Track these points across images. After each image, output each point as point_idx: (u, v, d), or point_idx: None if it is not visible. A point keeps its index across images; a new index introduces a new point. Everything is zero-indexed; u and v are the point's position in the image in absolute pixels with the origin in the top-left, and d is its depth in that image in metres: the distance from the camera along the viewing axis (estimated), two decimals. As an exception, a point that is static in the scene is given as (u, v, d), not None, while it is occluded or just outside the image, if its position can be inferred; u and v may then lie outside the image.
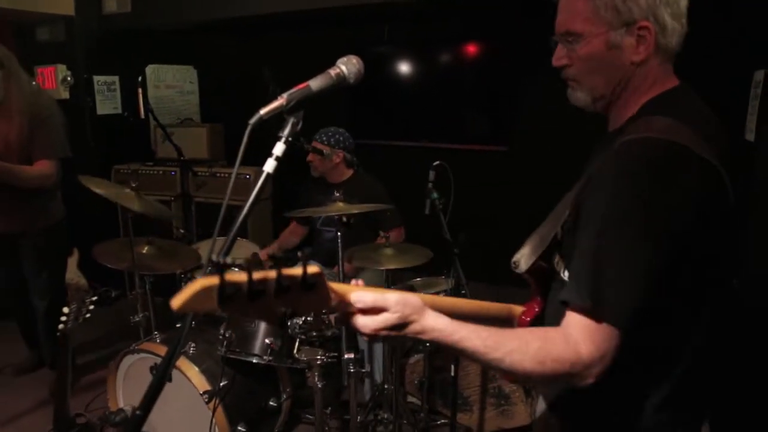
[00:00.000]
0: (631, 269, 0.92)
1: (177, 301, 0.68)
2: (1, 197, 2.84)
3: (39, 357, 3.40)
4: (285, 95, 1.11)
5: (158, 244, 2.84)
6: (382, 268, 2.49)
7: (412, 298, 0.93)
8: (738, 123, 2.96)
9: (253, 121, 1.08)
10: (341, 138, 3.06)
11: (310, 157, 3.03)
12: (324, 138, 3.03)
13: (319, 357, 2.28)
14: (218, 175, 4.30)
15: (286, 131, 1.12)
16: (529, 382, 0.99)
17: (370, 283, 3.00)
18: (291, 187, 3.33)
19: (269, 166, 1.12)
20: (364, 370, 2.69)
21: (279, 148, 1.12)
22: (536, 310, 1.29)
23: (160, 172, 4.37)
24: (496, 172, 4.55)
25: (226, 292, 0.67)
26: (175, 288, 2.78)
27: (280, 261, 0.73)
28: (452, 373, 2.32)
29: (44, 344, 3.26)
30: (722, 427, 2.23)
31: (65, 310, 2.00)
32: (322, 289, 0.79)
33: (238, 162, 1.09)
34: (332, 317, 0.94)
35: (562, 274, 1.15)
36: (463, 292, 2.27)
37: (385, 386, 2.67)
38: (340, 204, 2.40)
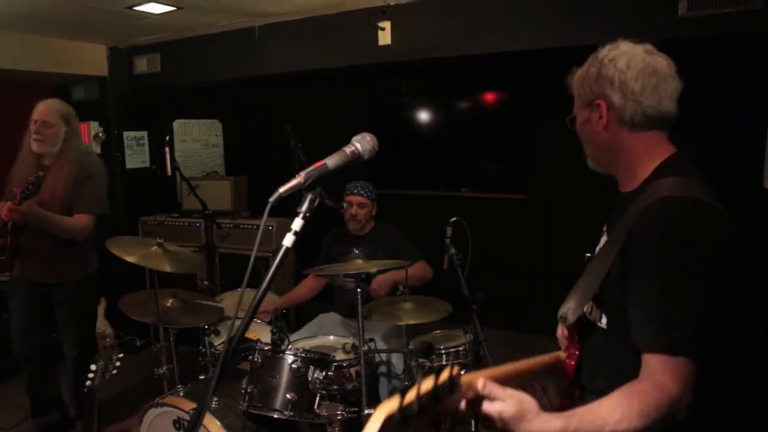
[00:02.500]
0: (692, 307, 1.08)
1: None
2: (40, 247, 2.97)
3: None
4: (303, 174, 1.18)
5: (182, 296, 2.91)
6: (401, 323, 2.52)
7: (528, 399, 1.03)
8: (755, 172, 2.97)
9: (272, 199, 1.15)
10: (374, 190, 3.17)
11: (354, 211, 3.10)
12: (365, 192, 3.12)
13: (339, 412, 2.30)
14: (241, 226, 4.40)
15: (304, 207, 1.19)
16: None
17: (392, 335, 3.01)
18: (316, 237, 3.41)
19: (288, 240, 1.18)
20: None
21: (297, 224, 1.18)
22: (576, 353, 1.40)
23: (186, 224, 4.50)
24: (516, 219, 4.58)
25: (405, 414, 0.80)
26: (198, 340, 2.85)
27: (435, 371, 0.86)
28: (472, 428, 2.31)
29: (71, 395, 3.30)
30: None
31: (92, 367, 2.06)
32: (460, 387, 0.92)
33: (261, 231, 1.14)
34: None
35: (598, 323, 1.30)
36: (482, 345, 2.28)
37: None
38: (359, 261, 2.45)
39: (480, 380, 1.02)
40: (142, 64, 4.45)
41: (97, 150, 4.54)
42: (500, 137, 4.69)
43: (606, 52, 1.26)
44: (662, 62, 1.23)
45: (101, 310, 4.40)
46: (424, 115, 4.94)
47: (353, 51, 3.60)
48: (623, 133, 1.26)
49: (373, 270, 2.30)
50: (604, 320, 1.29)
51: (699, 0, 2.65)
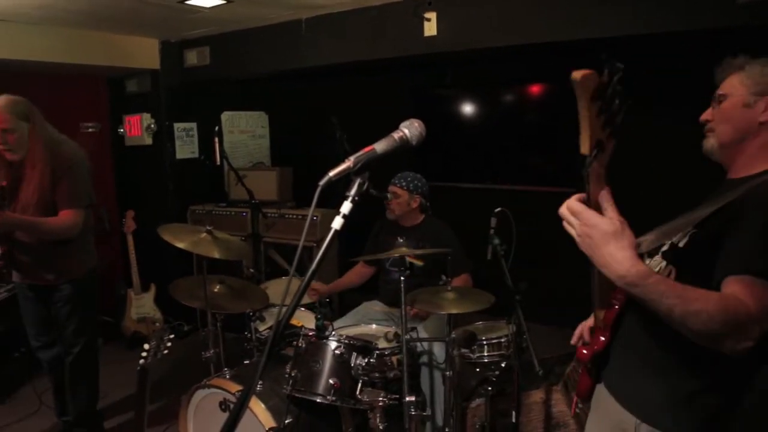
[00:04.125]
0: None
1: (578, 73, 1.01)
2: (35, 249, 2.85)
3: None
4: (352, 158, 1.20)
5: (229, 283, 3.00)
6: (443, 312, 2.53)
7: (630, 233, 1.13)
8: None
9: (322, 182, 1.18)
10: (419, 183, 3.16)
11: (388, 201, 3.13)
12: (403, 183, 3.13)
13: (380, 398, 2.33)
14: (287, 216, 4.48)
15: (353, 191, 1.21)
16: (706, 331, 1.09)
17: (432, 326, 3.03)
18: (359, 227, 3.44)
19: (337, 223, 1.20)
20: (425, 414, 2.70)
21: (346, 207, 1.20)
22: (603, 341, 1.48)
23: (233, 213, 4.61)
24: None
25: (603, 89, 1.00)
26: (244, 326, 2.92)
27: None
28: (513, 420, 2.30)
29: (69, 398, 3.15)
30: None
31: (145, 346, 2.14)
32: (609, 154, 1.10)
33: (309, 219, 1.17)
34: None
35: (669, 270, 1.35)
36: (525, 336, 2.26)
37: (446, 430, 2.66)
38: (404, 249, 2.46)
39: (604, 191, 1.14)
40: (192, 57, 4.57)
41: (149, 141, 4.71)
42: (547, 130, 4.61)
43: None
44: None
45: (151, 296, 4.58)
46: (469, 108, 4.89)
47: (398, 42, 3.60)
48: None
49: (417, 262, 2.31)
50: (672, 278, 1.31)
51: (760, -15, 2.55)
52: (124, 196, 5.03)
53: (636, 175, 4.00)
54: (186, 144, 4.77)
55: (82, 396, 3.13)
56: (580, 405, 1.80)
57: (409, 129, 1.25)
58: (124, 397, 3.71)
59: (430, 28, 3.47)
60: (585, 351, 1.57)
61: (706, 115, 1.42)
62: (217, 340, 3.01)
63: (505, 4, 3.25)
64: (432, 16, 3.43)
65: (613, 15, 2.97)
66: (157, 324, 4.53)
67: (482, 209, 2.73)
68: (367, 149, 1.21)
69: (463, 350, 2.50)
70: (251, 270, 3.67)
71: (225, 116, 4.96)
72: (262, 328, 2.96)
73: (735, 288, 1.13)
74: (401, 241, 2.52)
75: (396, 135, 1.24)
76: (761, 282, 1.11)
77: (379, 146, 1.22)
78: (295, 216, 4.49)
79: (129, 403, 3.64)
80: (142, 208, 4.49)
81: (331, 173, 1.18)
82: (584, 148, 1.07)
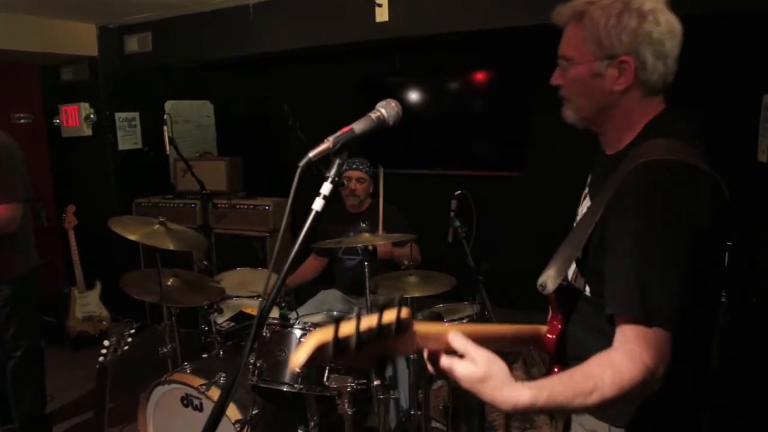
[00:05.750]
0: (672, 276, 1.03)
1: (297, 360, 0.75)
2: None
3: None
4: (331, 138, 1.18)
5: (183, 276, 2.92)
6: (407, 295, 2.54)
7: (499, 362, 0.96)
8: (750, 145, 3.03)
9: (302, 163, 1.15)
10: (371, 166, 3.17)
11: (353, 186, 3.11)
12: (362, 167, 3.13)
13: (349, 384, 2.33)
14: (237, 206, 4.39)
15: (333, 171, 1.19)
16: (615, 411, 1.06)
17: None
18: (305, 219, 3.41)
19: (318, 204, 1.18)
20: (393, 396, 2.72)
21: (326, 188, 1.18)
22: (559, 327, 1.35)
23: (181, 205, 4.47)
24: (510, 197, 4.61)
25: (339, 347, 0.75)
26: (196, 321, 2.84)
27: (378, 307, 0.80)
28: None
29: (13, 403, 2.96)
30: None
31: (105, 343, 2.05)
32: (411, 331, 0.87)
33: (290, 202, 1.15)
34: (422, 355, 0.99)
35: (584, 291, 1.25)
36: (486, 314, 2.32)
37: (411, 412, 2.69)
38: (367, 234, 2.46)
39: (451, 332, 0.96)
40: (133, 44, 4.37)
41: (89, 132, 4.48)
42: (494, 116, 4.71)
43: (644, 2, 1.10)
44: (678, 22, 1.13)
45: (96, 293, 4.39)
46: (418, 95, 4.93)
47: (350, 28, 3.58)
48: (635, 96, 1.16)
49: (381, 242, 2.31)
50: (588, 289, 1.24)
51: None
52: (62, 191, 4.77)
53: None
54: (129, 134, 4.57)
55: (26, 401, 2.97)
56: None
57: (386, 109, 1.24)
58: (73, 400, 3.56)
59: (382, 14, 3.46)
60: (550, 335, 1.38)
61: (555, 80, 1.23)
62: (173, 334, 2.92)
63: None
64: (384, 2, 3.42)
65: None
66: (104, 323, 4.35)
67: (434, 194, 2.76)
68: (345, 129, 1.20)
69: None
70: (204, 262, 3.59)
71: (169, 105, 4.78)
72: (221, 320, 2.90)
73: (627, 336, 1.03)
74: (364, 225, 2.52)
75: (373, 115, 1.23)
76: (646, 329, 1.01)
77: (357, 126, 1.21)
78: (246, 206, 4.40)
79: (79, 406, 3.49)
80: (83, 203, 4.27)
81: (311, 154, 1.16)
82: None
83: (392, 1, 3.42)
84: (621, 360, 1.00)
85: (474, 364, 0.94)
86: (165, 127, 3.46)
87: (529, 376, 2.83)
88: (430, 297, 2.62)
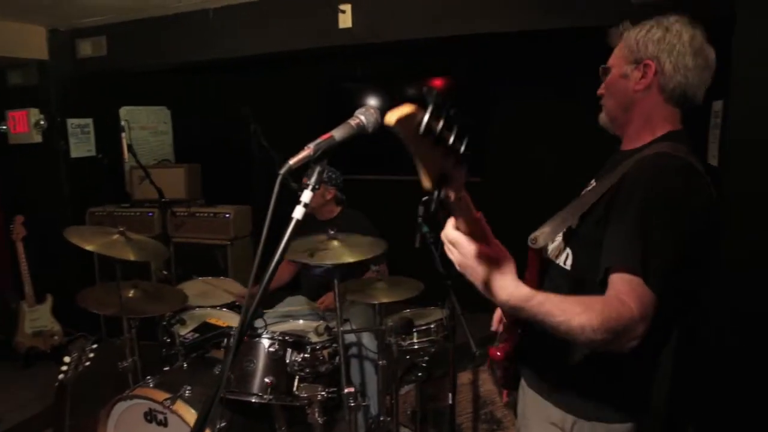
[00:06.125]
0: (668, 248, 1.14)
1: (392, 116, 0.81)
2: None
3: None
4: (312, 145, 1.17)
5: (143, 287, 2.83)
6: (375, 302, 2.54)
7: (510, 258, 1.11)
8: (700, 150, 3.16)
9: (283, 171, 1.14)
10: (333, 176, 3.14)
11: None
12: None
13: (319, 392, 2.31)
14: (197, 215, 4.29)
15: (313, 179, 1.18)
16: (590, 342, 1.09)
17: (361, 317, 3.05)
18: (275, 226, 3.36)
19: (298, 212, 1.17)
20: (364, 403, 2.71)
21: (307, 196, 1.18)
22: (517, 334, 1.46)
23: (137, 214, 4.34)
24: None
25: (430, 123, 0.81)
26: (155, 334, 2.74)
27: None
28: (449, 401, 2.37)
29: None
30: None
31: (66, 359, 1.97)
32: (464, 173, 0.95)
33: (271, 210, 1.14)
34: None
35: (560, 260, 1.37)
36: (459, 320, 2.33)
37: (381, 418, 2.69)
38: (335, 242, 2.45)
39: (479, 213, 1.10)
40: (86, 48, 4.22)
41: (38, 139, 4.30)
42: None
43: (673, 20, 1.29)
44: (713, 54, 1.30)
45: (48, 307, 4.20)
46: (379, 101, 4.95)
47: (314, 34, 3.56)
48: (657, 99, 1.31)
49: (350, 259, 2.32)
50: (569, 261, 1.34)
51: (650, -13, 2.79)
52: (10, 201, 4.53)
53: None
54: (81, 141, 4.40)
55: None
56: (507, 399, 1.84)
57: (365, 116, 1.24)
58: (24, 420, 3.38)
59: (345, 21, 3.46)
60: (498, 353, 1.52)
61: (600, 90, 1.43)
62: (133, 348, 2.83)
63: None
64: (347, 8, 3.43)
65: (518, 9, 3.13)
66: (56, 337, 4.17)
67: (397, 199, 2.76)
68: (325, 136, 1.20)
69: (401, 336, 2.53)
70: (164, 272, 3.49)
71: (124, 111, 4.64)
72: (184, 331, 2.82)
73: (618, 287, 1.12)
74: (332, 232, 2.50)
75: (353, 122, 1.23)
76: (640, 281, 1.10)
77: (338, 133, 1.21)
78: (206, 214, 4.31)
79: (30, 426, 3.33)
80: (32, 213, 4.10)
81: (291, 161, 1.15)
82: (425, 183, 0.94)
83: (355, 8, 3.43)
84: (611, 300, 1.11)
85: (491, 249, 1.09)
86: (123, 134, 3.36)
87: (495, 377, 2.87)
88: (399, 302, 2.64)
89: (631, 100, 1.34)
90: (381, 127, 1.28)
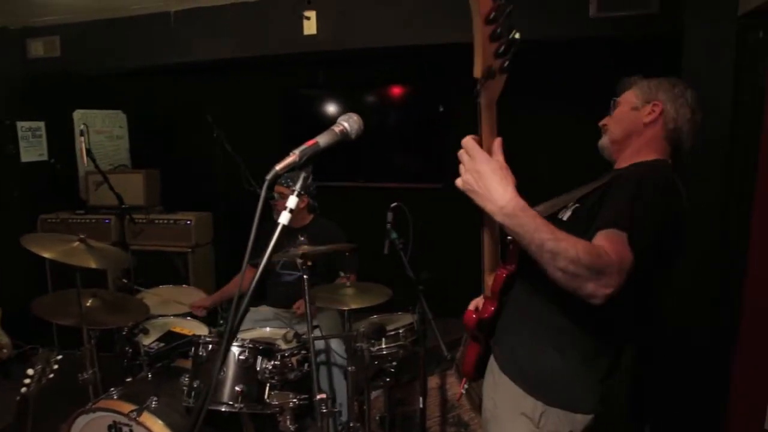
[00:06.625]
0: (648, 221, 1.28)
1: None
2: None
3: None
4: (297, 151, 1.18)
5: (103, 296, 2.75)
6: (345, 308, 2.55)
7: (511, 175, 1.24)
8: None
9: (269, 176, 1.15)
10: (299, 182, 3.12)
11: (273, 201, 3.06)
12: (285, 182, 3.07)
13: (290, 400, 2.29)
14: (156, 221, 4.19)
15: (298, 185, 1.19)
16: (566, 271, 1.18)
17: (328, 323, 3.04)
18: (236, 233, 3.32)
19: (284, 218, 1.17)
20: (337, 410, 2.70)
21: (293, 201, 1.18)
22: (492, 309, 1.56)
23: (93, 221, 4.20)
24: (432, 209, 4.72)
25: (498, 15, 1.04)
26: (112, 343, 2.64)
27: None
28: (420, 405, 2.40)
29: None
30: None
31: (29, 372, 1.89)
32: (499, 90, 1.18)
33: (258, 215, 1.13)
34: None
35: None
36: (429, 325, 2.37)
37: (351, 424, 2.69)
38: (306, 248, 2.45)
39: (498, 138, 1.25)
40: (38, 48, 4.07)
41: (-15, 141, 4.11)
42: (415, 129, 4.82)
43: (677, 81, 1.57)
44: (701, 116, 1.56)
45: (-5, 318, 4.01)
46: (340, 108, 4.94)
47: (278, 41, 3.55)
48: (658, 133, 1.54)
49: (321, 251, 2.32)
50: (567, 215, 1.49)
51: (607, 2, 2.92)
52: (-47, 207, 4.33)
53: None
54: (32, 145, 4.24)
55: None
56: (466, 386, 1.88)
57: (348, 122, 1.26)
58: None
59: (310, 27, 3.47)
60: (474, 315, 1.61)
61: (604, 120, 1.64)
62: (93, 359, 2.73)
63: (386, 5, 3.35)
64: (312, 14, 3.43)
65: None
66: (5, 350, 3.97)
67: (362, 206, 2.77)
68: (310, 143, 1.21)
69: (372, 341, 2.54)
70: (124, 280, 3.39)
71: (78, 114, 4.49)
72: (147, 341, 2.76)
73: (599, 240, 1.23)
74: (302, 239, 2.50)
75: (336, 129, 1.25)
76: (620, 234, 1.22)
77: (322, 140, 1.22)
78: (166, 221, 4.22)
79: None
80: None
81: (278, 167, 1.15)
82: (476, 71, 1.11)
83: (320, 15, 3.44)
84: (595, 245, 1.21)
85: (498, 162, 1.24)
86: (82, 138, 3.24)
87: (461, 380, 2.91)
88: (368, 309, 2.65)
89: (637, 129, 1.54)
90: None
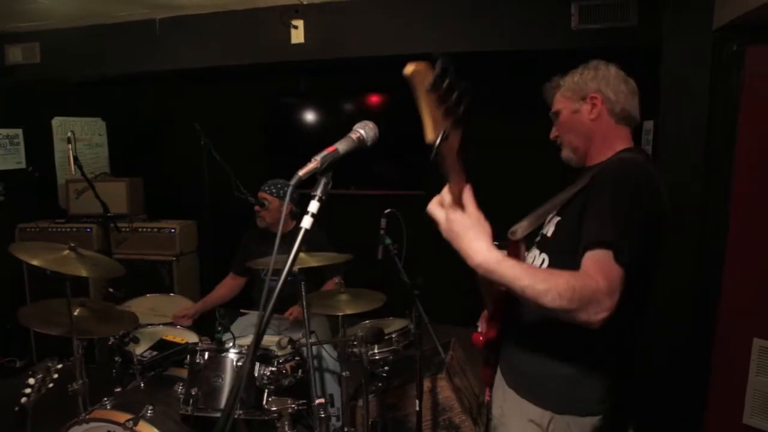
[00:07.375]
0: (632, 229, 1.27)
1: (409, 68, 0.98)
2: None
3: None
4: (318, 158, 1.21)
5: (91, 305, 2.71)
6: (339, 313, 2.57)
7: (486, 224, 1.22)
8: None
9: (293, 182, 1.17)
10: (283, 189, 3.14)
11: (257, 208, 3.07)
12: (273, 190, 3.09)
13: (289, 405, 2.30)
14: (140, 230, 4.15)
15: (319, 190, 1.22)
16: (556, 307, 1.18)
17: (319, 328, 3.06)
18: (221, 239, 3.32)
19: (306, 222, 1.20)
20: (333, 415, 2.72)
21: (314, 206, 1.21)
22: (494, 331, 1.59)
23: (74, 230, 4.13)
24: (416, 216, 4.78)
25: (438, 81, 1.00)
26: (94, 354, 2.59)
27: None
28: (417, 408, 2.43)
29: None
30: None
31: (30, 381, 1.86)
32: (459, 134, 1.11)
33: (282, 222, 1.16)
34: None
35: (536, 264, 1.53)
36: (427, 328, 2.40)
37: (345, 429, 2.71)
38: (303, 255, 2.46)
39: (468, 186, 1.23)
40: (16, 54, 4.00)
41: (-39, 150, 4.02)
42: (398, 136, 4.85)
43: (596, 63, 1.56)
44: (633, 82, 1.57)
45: (-29, 330, 3.91)
46: (323, 116, 4.97)
47: (265, 49, 3.57)
48: (609, 122, 1.53)
49: (314, 264, 2.36)
50: (545, 265, 1.49)
51: (589, 15, 3.03)
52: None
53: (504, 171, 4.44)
54: (10, 153, 4.15)
55: None
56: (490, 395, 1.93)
57: (365, 130, 1.29)
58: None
59: (298, 36, 3.50)
60: (481, 338, 1.69)
61: (552, 133, 1.64)
62: (82, 369, 2.69)
63: (370, 16, 3.41)
64: (299, 23, 3.47)
65: (470, 32, 3.29)
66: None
67: (348, 213, 2.77)
68: (330, 149, 1.24)
69: (368, 346, 2.57)
70: (110, 290, 3.34)
71: (57, 122, 4.42)
72: (139, 350, 2.73)
73: (587, 264, 1.23)
74: (304, 247, 2.50)
75: (354, 136, 1.28)
76: (604, 253, 1.22)
77: (341, 146, 1.25)
78: (149, 229, 4.18)
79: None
80: None
81: (300, 172, 1.18)
82: (429, 136, 1.09)
83: (308, 23, 3.47)
84: (579, 273, 1.23)
85: (469, 215, 1.22)
86: (69, 146, 3.20)
87: (452, 384, 2.96)
88: (362, 314, 2.68)
89: (588, 129, 1.54)
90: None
